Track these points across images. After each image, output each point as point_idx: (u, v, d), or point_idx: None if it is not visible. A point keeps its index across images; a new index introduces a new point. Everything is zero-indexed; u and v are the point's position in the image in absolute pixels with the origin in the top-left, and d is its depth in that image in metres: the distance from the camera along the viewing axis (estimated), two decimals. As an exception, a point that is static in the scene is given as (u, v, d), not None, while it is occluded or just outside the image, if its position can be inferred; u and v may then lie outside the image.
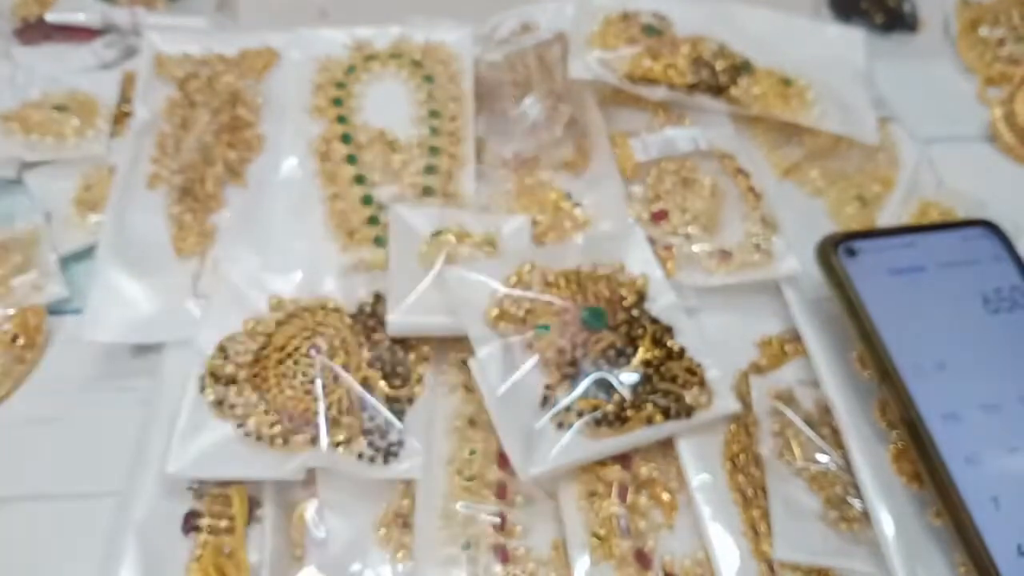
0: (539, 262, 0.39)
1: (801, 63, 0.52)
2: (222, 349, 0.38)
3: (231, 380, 0.37)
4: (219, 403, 0.36)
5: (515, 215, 0.44)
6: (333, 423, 0.36)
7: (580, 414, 0.35)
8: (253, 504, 0.36)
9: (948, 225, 0.42)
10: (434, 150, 0.48)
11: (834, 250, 0.39)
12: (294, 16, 0.57)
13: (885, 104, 0.54)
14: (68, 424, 0.39)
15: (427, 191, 0.46)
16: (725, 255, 0.43)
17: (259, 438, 0.35)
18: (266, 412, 0.36)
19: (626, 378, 0.37)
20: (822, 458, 0.37)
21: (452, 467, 0.36)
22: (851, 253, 0.39)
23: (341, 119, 0.49)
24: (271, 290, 0.40)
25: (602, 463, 0.36)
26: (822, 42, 0.54)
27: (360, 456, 0.36)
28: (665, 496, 0.36)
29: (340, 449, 0.36)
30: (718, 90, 0.49)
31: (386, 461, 0.36)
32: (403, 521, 0.35)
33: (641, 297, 0.40)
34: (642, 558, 0.34)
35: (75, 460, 0.38)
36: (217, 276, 0.41)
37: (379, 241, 0.44)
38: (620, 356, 0.37)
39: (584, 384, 0.36)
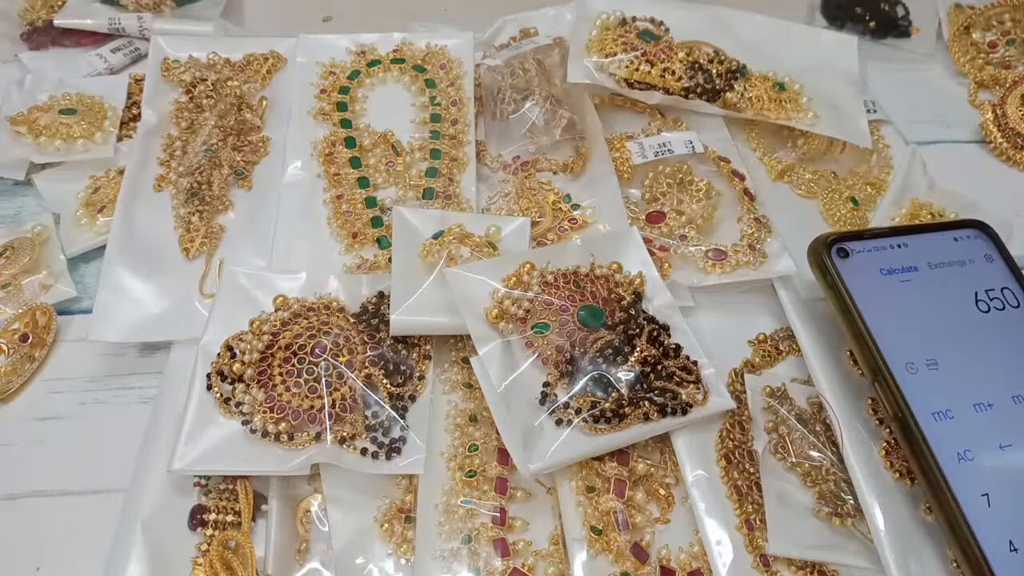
0: (538, 262, 0.40)
1: (795, 68, 0.52)
2: (228, 348, 0.38)
3: (237, 378, 0.37)
4: (226, 401, 0.37)
5: (515, 216, 0.45)
6: (337, 420, 0.36)
7: (578, 411, 0.36)
8: (259, 499, 0.37)
9: (940, 226, 0.42)
10: (436, 153, 0.48)
11: (827, 251, 0.39)
12: (299, 22, 0.58)
13: (878, 107, 0.54)
14: (76, 421, 0.40)
15: (429, 193, 0.47)
16: (720, 255, 0.43)
17: (265, 435, 0.36)
18: (272, 409, 0.36)
19: (623, 376, 0.37)
20: (815, 454, 0.37)
21: (453, 463, 0.37)
22: (844, 254, 0.39)
23: (345, 123, 0.50)
24: (276, 290, 0.41)
25: (600, 459, 0.37)
26: (816, 47, 0.54)
27: (363, 452, 0.36)
28: (661, 491, 0.37)
29: (344, 445, 0.36)
30: (713, 94, 0.50)
31: (389, 457, 0.36)
32: (405, 516, 0.36)
33: (638, 297, 0.40)
34: (639, 552, 0.35)
35: (83, 457, 0.39)
36: (223, 276, 0.41)
37: (382, 242, 0.45)
38: (617, 354, 0.37)
39: (582, 382, 0.37)
